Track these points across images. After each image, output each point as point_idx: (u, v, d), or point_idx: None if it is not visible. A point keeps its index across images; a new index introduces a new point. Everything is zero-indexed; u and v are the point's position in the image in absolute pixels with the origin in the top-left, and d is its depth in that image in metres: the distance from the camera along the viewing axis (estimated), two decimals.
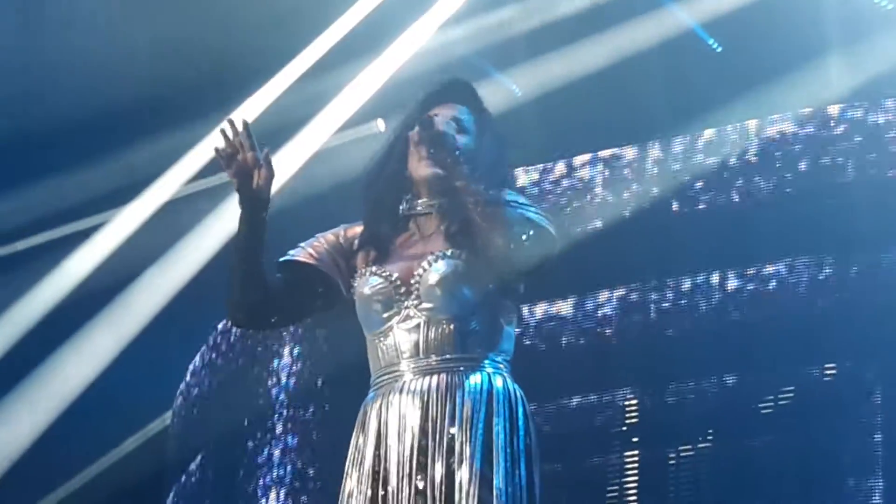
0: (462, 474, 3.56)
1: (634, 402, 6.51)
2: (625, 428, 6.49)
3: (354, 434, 3.73)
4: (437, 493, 3.56)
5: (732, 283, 6.44)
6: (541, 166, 6.87)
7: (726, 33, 7.02)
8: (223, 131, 3.71)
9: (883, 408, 6.07)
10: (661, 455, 6.39)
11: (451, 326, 3.67)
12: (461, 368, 3.66)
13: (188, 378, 8.64)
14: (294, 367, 7.67)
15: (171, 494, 8.48)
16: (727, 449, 6.30)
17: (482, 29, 7.18)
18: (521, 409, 3.67)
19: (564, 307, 6.69)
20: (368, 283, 3.73)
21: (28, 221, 7.75)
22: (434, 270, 3.68)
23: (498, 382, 3.67)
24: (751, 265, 6.42)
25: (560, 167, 6.88)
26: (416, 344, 3.68)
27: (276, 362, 7.76)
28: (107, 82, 7.18)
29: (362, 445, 3.69)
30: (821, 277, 6.28)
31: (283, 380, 7.70)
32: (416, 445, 3.61)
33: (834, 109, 6.45)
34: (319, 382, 7.46)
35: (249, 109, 7.26)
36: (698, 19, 7.05)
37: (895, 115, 6.36)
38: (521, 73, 7.21)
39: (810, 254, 6.32)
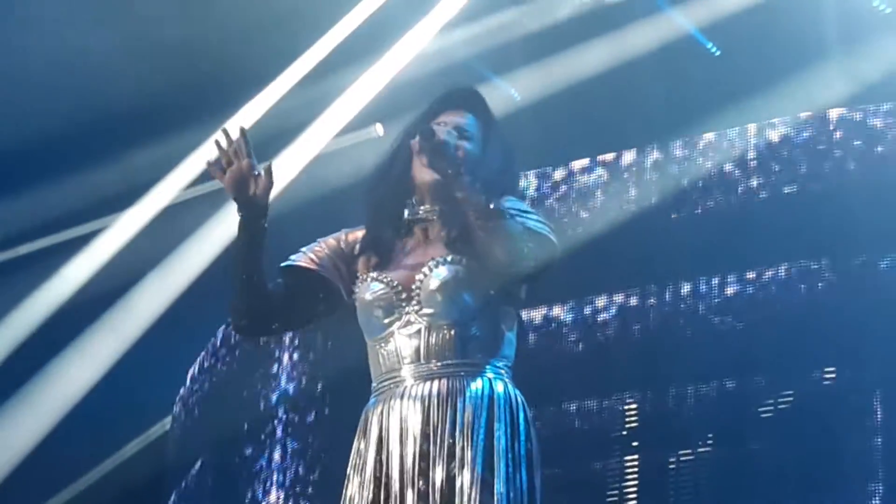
0: (463, 479, 3.56)
1: (634, 406, 6.51)
2: (625, 432, 6.49)
3: (356, 439, 3.73)
4: (438, 498, 3.56)
5: (732, 288, 6.44)
6: (540, 171, 6.87)
7: (725, 37, 7.02)
8: (217, 142, 3.70)
9: (882, 411, 6.07)
10: (661, 459, 6.39)
11: (452, 332, 3.67)
12: (462, 374, 3.66)
13: (188, 383, 8.65)
14: (294, 372, 7.67)
15: (172, 498, 8.48)
16: (727, 453, 6.30)
17: (481, 33, 7.18)
18: (521, 415, 3.68)
19: (564, 312, 6.70)
20: (370, 288, 3.73)
21: (29, 226, 7.75)
22: (435, 276, 3.68)
23: (499, 388, 3.67)
24: (750, 269, 6.42)
25: (559, 172, 6.88)
26: (418, 349, 3.68)
27: (276, 367, 7.76)
28: (106, 86, 7.18)
29: (363, 451, 3.69)
30: (820, 281, 6.28)
31: (284, 385, 7.70)
32: (417, 451, 3.61)
33: (833, 113, 6.46)
34: (319, 387, 7.46)
35: (248, 114, 7.26)
36: (697, 23, 7.05)
37: (894, 118, 6.36)
38: (520, 77, 7.21)
39: (809, 258, 6.32)
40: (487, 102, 3.88)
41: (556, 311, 6.70)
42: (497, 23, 7.14)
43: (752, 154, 6.55)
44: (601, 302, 6.65)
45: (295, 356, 7.68)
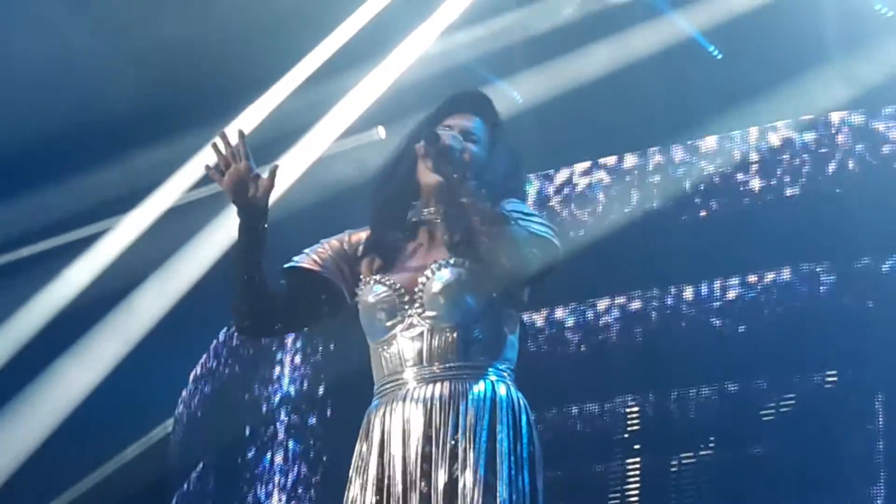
0: (466, 481, 3.56)
1: (636, 409, 6.51)
2: (626, 435, 6.49)
3: (358, 441, 3.73)
4: (440, 500, 3.56)
5: (734, 291, 6.44)
6: (542, 173, 6.87)
7: (727, 40, 7.03)
8: (215, 145, 3.71)
9: (884, 415, 6.07)
10: (663, 462, 6.39)
11: (455, 335, 3.67)
12: (465, 376, 3.66)
13: (190, 385, 8.65)
14: (296, 375, 7.67)
15: (173, 501, 8.48)
16: (729, 456, 6.30)
17: (483, 36, 7.19)
18: (524, 417, 3.68)
19: (566, 315, 6.70)
20: (372, 291, 3.73)
21: (32, 229, 7.75)
22: (437, 279, 3.68)
23: (501, 390, 3.67)
24: (752, 272, 6.42)
25: (561, 174, 6.88)
26: (420, 352, 3.68)
27: (277, 370, 7.76)
28: (108, 89, 7.19)
29: (366, 453, 3.69)
30: (821, 285, 6.28)
31: (285, 387, 7.70)
32: (419, 453, 3.61)
33: (835, 116, 6.46)
34: (321, 390, 7.46)
35: (251, 116, 7.27)
36: (699, 27, 7.06)
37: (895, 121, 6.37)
38: (522, 80, 7.21)
39: (811, 261, 6.32)
40: (495, 106, 3.88)
41: (559, 313, 6.70)
42: (499, 25, 7.15)
43: (753, 157, 6.55)
44: (603, 305, 6.65)
45: (297, 359, 7.68)
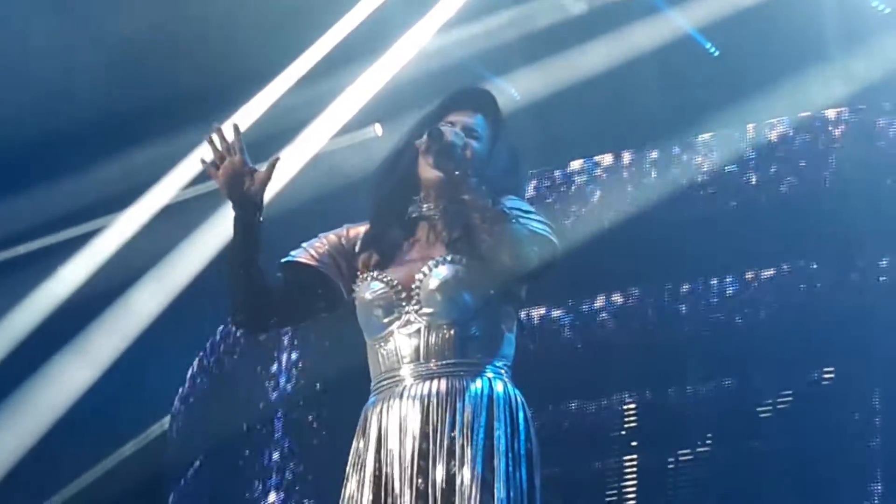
0: (463, 478, 3.56)
1: (633, 406, 6.51)
2: (623, 432, 6.49)
3: (355, 438, 3.73)
4: (437, 497, 3.56)
5: (731, 288, 6.44)
6: (539, 171, 6.87)
7: (724, 38, 7.03)
8: (210, 139, 3.71)
9: (881, 411, 6.07)
10: (660, 459, 6.39)
11: (452, 332, 3.67)
12: (462, 373, 3.66)
13: (187, 382, 8.64)
14: (293, 372, 7.67)
15: (170, 498, 8.48)
16: (726, 453, 6.30)
17: (480, 34, 7.19)
18: (521, 414, 3.68)
19: (563, 312, 6.70)
20: (369, 288, 3.73)
21: (28, 226, 7.75)
22: (435, 276, 3.68)
23: (498, 387, 3.67)
24: (749, 269, 6.42)
25: (558, 172, 6.88)
26: (417, 349, 3.68)
27: (275, 367, 7.76)
28: (105, 86, 7.19)
29: (363, 450, 3.69)
30: (819, 281, 6.28)
31: (283, 384, 7.70)
32: (416, 450, 3.61)
33: (832, 113, 6.45)
34: (319, 387, 7.46)
35: (247, 114, 7.27)
36: (695, 24, 7.06)
37: (893, 118, 6.36)
38: (519, 77, 7.21)
39: (808, 258, 6.32)
40: (497, 103, 3.88)
41: (556, 311, 6.70)
42: (496, 23, 7.15)
43: (751, 154, 6.55)
44: (600, 302, 6.65)
45: (294, 356, 7.67)
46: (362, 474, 3.66)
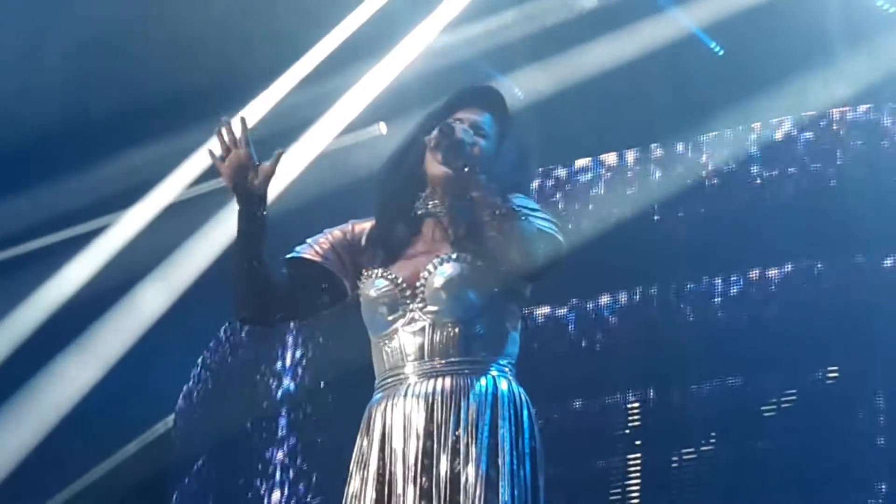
0: (467, 477, 3.56)
1: (637, 404, 6.51)
2: (627, 431, 6.49)
3: (359, 436, 3.73)
4: (441, 496, 3.56)
5: (735, 287, 6.44)
6: (543, 169, 6.87)
7: (728, 37, 7.03)
8: (219, 132, 3.72)
9: (885, 410, 6.07)
10: (664, 458, 6.39)
11: (456, 330, 3.67)
12: (466, 372, 3.66)
13: (191, 380, 8.65)
14: (297, 370, 7.67)
15: (175, 496, 8.49)
16: (730, 452, 6.30)
17: (485, 32, 7.19)
18: (525, 412, 3.68)
19: (567, 310, 6.70)
20: (374, 285, 3.73)
21: (32, 224, 7.76)
22: (439, 273, 3.68)
23: (503, 386, 3.67)
24: (753, 268, 6.42)
25: (562, 170, 6.88)
26: (421, 347, 3.67)
27: (279, 365, 7.76)
28: (109, 84, 7.19)
29: (367, 448, 3.69)
30: (823, 280, 6.28)
31: (286, 382, 7.70)
32: (420, 448, 3.61)
33: (837, 112, 6.45)
34: (323, 385, 7.46)
35: (253, 112, 7.27)
36: (700, 23, 7.06)
37: None
38: (523, 76, 7.21)
39: (813, 257, 6.32)
40: (505, 101, 3.88)
41: (560, 309, 6.70)
42: (501, 22, 7.15)
43: (755, 153, 6.54)
44: (604, 300, 6.65)
45: (298, 354, 7.68)
46: (366, 472, 3.66)
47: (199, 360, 8.59)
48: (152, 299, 7.92)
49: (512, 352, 3.74)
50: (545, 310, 6.71)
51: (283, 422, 7.65)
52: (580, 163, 6.87)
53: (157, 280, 7.89)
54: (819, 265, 6.29)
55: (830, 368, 6.20)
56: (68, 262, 7.93)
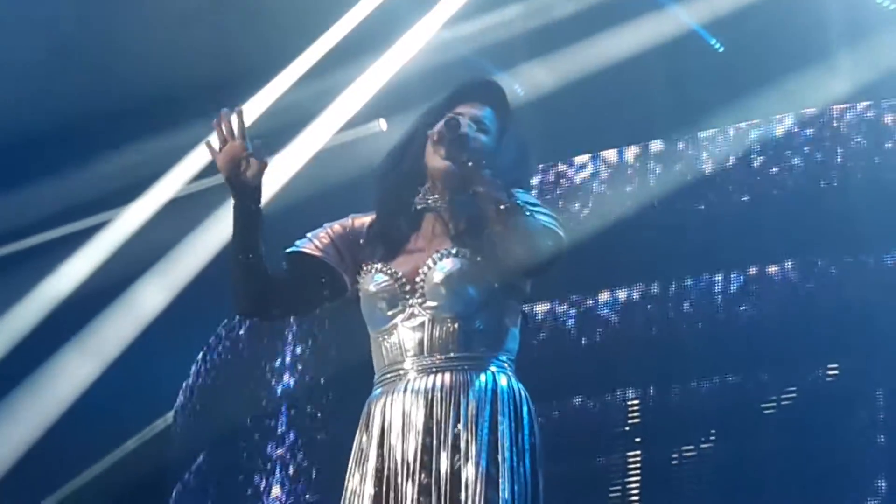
0: (467, 473, 3.56)
1: (637, 402, 6.51)
2: (627, 428, 6.49)
3: (358, 432, 3.73)
4: (441, 492, 3.56)
5: (735, 284, 6.44)
6: (542, 166, 6.87)
7: (728, 33, 7.03)
8: (215, 122, 3.73)
9: (885, 408, 6.07)
10: (664, 455, 6.39)
11: (456, 325, 3.66)
12: (465, 367, 3.66)
13: (191, 377, 8.65)
14: (297, 366, 7.67)
15: (174, 493, 8.49)
16: (730, 449, 6.29)
17: (484, 29, 7.19)
18: (525, 408, 3.67)
19: (567, 307, 6.69)
20: (373, 280, 3.73)
21: (32, 220, 7.76)
22: (439, 269, 3.68)
23: (502, 381, 3.67)
24: (753, 265, 6.42)
25: (562, 167, 6.87)
26: (421, 342, 3.67)
27: (279, 361, 7.76)
28: (110, 80, 7.19)
29: (366, 444, 3.69)
30: (824, 277, 6.28)
31: (286, 378, 7.70)
32: (419, 444, 3.61)
33: (837, 109, 6.45)
34: (322, 381, 7.46)
35: (252, 108, 7.27)
36: (700, 19, 7.06)
37: None
38: (523, 72, 7.21)
39: (813, 254, 6.31)
40: (506, 95, 3.88)
41: (559, 306, 6.70)
42: (500, 18, 7.15)
43: (755, 150, 6.54)
44: (604, 297, 6.65)
45: (298, 350, 7.68)
46: (365, 468, 3.66)
47: (199, 357, 8.59)
48: (152, 295, 7.93)
49: (511, 347, 3.74)
50: (545, 307, 6.71)
51: (282, 418, 7.65)
52: (580, 159, 6.86)
53: (157, 276, 7.90)
54: (819, 262, 6.29)
55: (830, 366, 6.19)
56: (68, 258, 7.92)
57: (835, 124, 6.41)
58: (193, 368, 8.62)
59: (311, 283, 3.81)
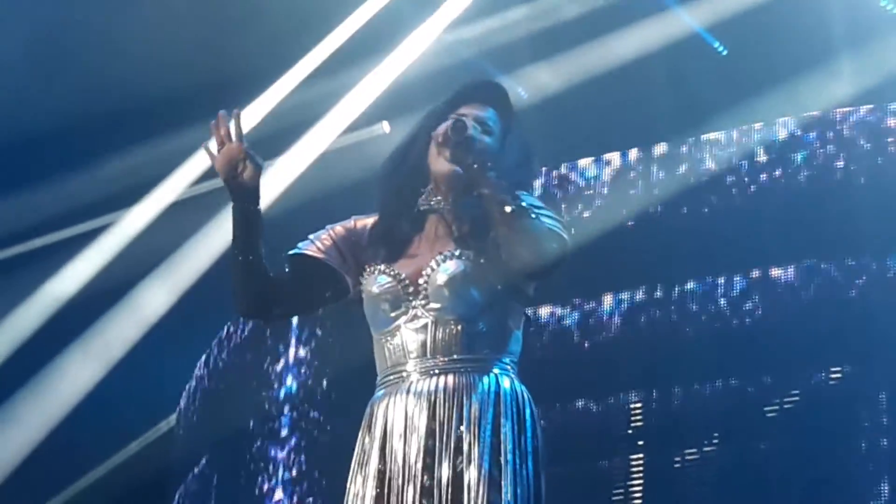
0: (470, 475, 3.55)
1: (640, 405, 6.51)
2: (630, 431, 6.49)
3: (360, 434, 3.72)
4: (443, 494, 3.55)
5: (738, 287, 6.44)
6: (546, 169, 6.87)
7: (732, 36, 7.03)
8: (212, 124, 3.73)
9: (888, 411, 6.07)
10: (667, 458, 6.39)
11: (459, 327, 3.66)
12: (468, 369, 3.65)
13: (194, 380, 8.65)
14: (300, 369, 7.67)
15: (177, 495, 8.49)
16: (732, 452, 6.30)
17: (488, 31, 7.19)
18: (528, 411, 3.67)
19: (570, 310, 6.69)
20: (377, 281, 3.72)
21: (35, 223, 7.76)
22: (442, 270, 3.67)
23: (505, 383, 3.66)
24: (756, 268, 6.42)
25: (565, 169, 6.88)
26: (424, 344, 3.66)
27: (281, 364, 7.76)
28: (113, 84, 7.19)
29: (368, 446, 3.68)
30: (827, 281, 6.28)
31: (289, 381, 7.70)
32: (422, 446, 3.60)
33: (840, 112, 6.45)
34: (325, 384, 7.46)
35: (256, 111, 7.27)
36: (703, 22, 7.06)
37: None
38: (526, 75, 7.21)
39: (815, 257, 6.32)
40: (508, 96, 3.87)
41: (562, 309, 6.70)
42: (504, 21, 7.15)
43: (759, 153, 6.54)
44: (607, 301, 6.65)
45: (300, 353, 7.68)
46: (367, 470, 3.65)
47: (203, 359, 8.59)
48: (155, 298, 7.92)
49: (515, 350, 3.73)
50: (548, 310, 6.71)
51: (285, 421, 7.65)
52: (583, 162, 6.87)
53: (161, 278, 7.89)
54: (822, 265, 6.29)
55: (833, 369, 6.20)
56: (71, 261, 7.92)
57: (838, 127, 6.42)
58: (196, 371, 8.62)
59: (313, 285, 3.81)
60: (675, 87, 6.97)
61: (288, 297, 3.81)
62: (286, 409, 7.66)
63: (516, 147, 3.82)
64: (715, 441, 6.35)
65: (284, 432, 7.63)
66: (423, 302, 3.67)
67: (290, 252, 3.82)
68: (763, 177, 6.50)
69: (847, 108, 6.47)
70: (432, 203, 3.76)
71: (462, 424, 3.59)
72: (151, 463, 8.72)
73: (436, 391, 3.63)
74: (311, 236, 3.84)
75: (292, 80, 7.44)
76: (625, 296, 6.64)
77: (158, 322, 7.93)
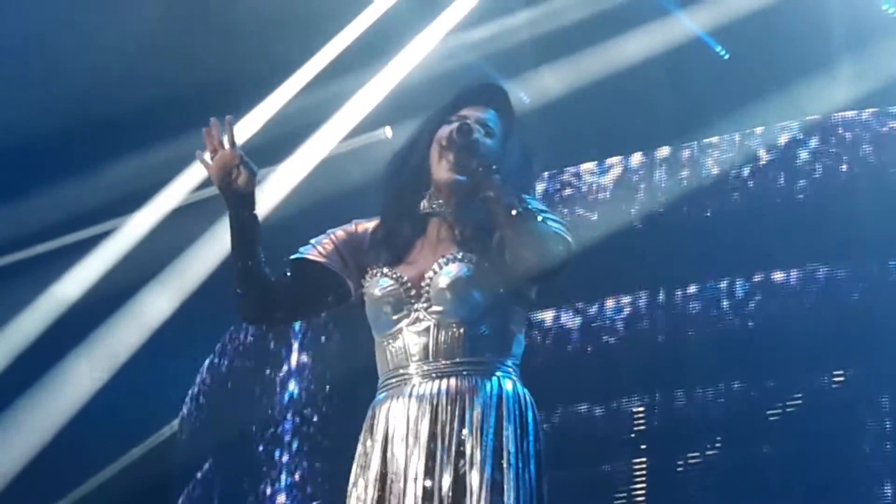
0: (473, 479, 3.55)
1: (642, 409, 6.51)
2: (633, 435, 6.49)
3: (362, 437, 3.72)
4: (445, 498, 3.56)
5: (740, 291, 6.44)
6: (548, 173, 6.87)
7: (734, 40, 7.03)
8: (205, 131, 3.74)
9: (891, 415, 6.07)
10: (669, 462, 6.39)
11: (461, 330, 3.66)
12: (471, 373, 3.65)
13: (197, 384, 8.66)
14: (302, 374, 7.68)
15: (180, 500, 8.49)
16: (735, 456, 6.29)
17: (490, 36, 7.19)
18: (530, 414, 3.67)
19: (572, 314, 6.69)
20: (378, 284, 3.73)
21: (39, 228, 7.76)
22: (445, 273, 3.67)
23: (507, 386, 3.66)
24: (758, 272, 6.42)
25: (567, 174, 6.88)
26: (426, 347, 3.67)
27: (284, 368, 7.76)
28: (116, 89, 7.19)
29: (370, 449, 3.69)
30: (829, 284, 6.28)
31: (291, 386, 7.71)
32: (423, 450, 3.60)
33: (842, 116, 6.45)
34: (327, 389, 7.46)
35: (258, 116, 7.28)
36: (705, 27, 7.06)
37: None
38: (529, 79, 7.21)
39: (818, 261, 6.32)
40: (509, 98, 3.87)
41: (565, 313, 6.70)
42: (506, 25, 7.15)
43: (761, 157, 6.54)
44: (610, 304, 6.65)
45: (303, 358, 7.68)
46: (368, 474, 3.65)
47: (206, 364, 8.59)
48: (158, 303, 7.93)
49: (517, 353, 3.73)
50: (550, 313, 6.72)
51: (288, 425, 7.65)
52: (586, 166, 6.87)
53: (163, 284, 7.90)
54: (824, 269, 6.29)
55: (836, 373, 6.19)
56: (74, 266, 7.93)
57: (840, 131, 6.42)
58: (199, 376, 8.63)
59: (315, 289, 3.81)
60: (677, 92, 6.98)
61: (290, 302, 3.81)
62: (289, 414, 7.67)
63: (517, 149, 3.82)
64: (718, 445, 6.35)
65: (287, 437, 7.63)
66: (425, 305, 3.67)
67: (292, 256, 3.82)
68: (764, 181, 6.50)
69: (849, 112, 6.47)
70: (434, 206, 3.76)
71: (464, 428, 3.60)
72: (154, 468, 8.72)
73: (438, 394, 3.63)
74: (312, 240, 3.84)
75: (295, 84, 7.44)
76: (627, 299, 6.64)
77: (161, 327, 7.94)
